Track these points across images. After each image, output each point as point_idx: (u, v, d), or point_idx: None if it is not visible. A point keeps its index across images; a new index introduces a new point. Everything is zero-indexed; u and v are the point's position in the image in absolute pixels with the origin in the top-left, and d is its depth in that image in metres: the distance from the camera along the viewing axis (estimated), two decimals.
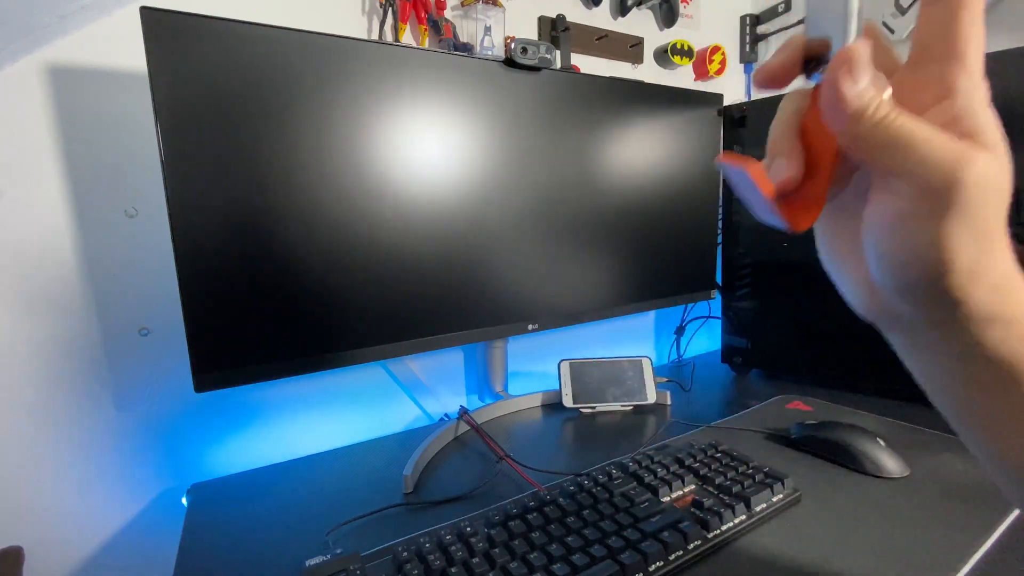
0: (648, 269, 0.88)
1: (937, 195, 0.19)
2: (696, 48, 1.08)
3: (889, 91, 0.21)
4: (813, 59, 0.23)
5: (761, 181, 0.23)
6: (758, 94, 1.22)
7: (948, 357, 0.23)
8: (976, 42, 0.20)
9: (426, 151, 0.65)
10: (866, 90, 0.20)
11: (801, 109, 0.24)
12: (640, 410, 0.81)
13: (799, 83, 0.25)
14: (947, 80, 0.21)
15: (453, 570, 0.43)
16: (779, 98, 0.26)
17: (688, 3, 1.09)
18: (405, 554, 0.45)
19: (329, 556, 0.45)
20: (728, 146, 0.95)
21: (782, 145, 0.24)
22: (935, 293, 0.21)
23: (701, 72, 1.10)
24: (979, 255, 0.20)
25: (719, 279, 1.00)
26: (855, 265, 0.24)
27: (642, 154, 0.85)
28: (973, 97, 0.21)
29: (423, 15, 0.77)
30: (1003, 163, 0.20)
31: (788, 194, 0.23)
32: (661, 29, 1.07)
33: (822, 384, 0.87)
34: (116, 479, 0.66)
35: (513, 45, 0.69)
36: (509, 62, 0.70)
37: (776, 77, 0.24)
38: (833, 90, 0.21)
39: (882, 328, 0.25)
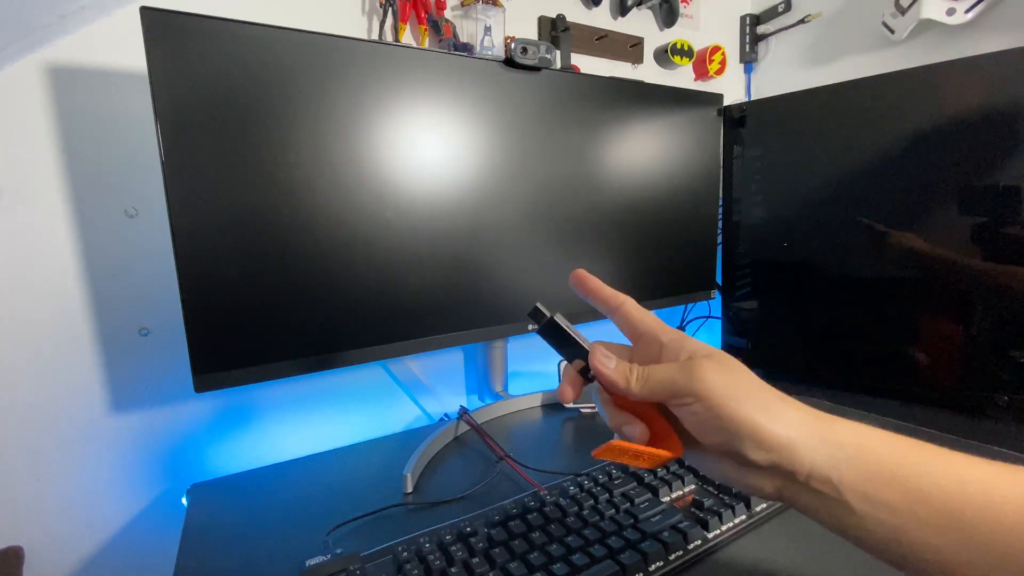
0: (648, 269, 0.88)
1: (696, 395, 0.29)
2: (696, 48, 1.08)
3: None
4: (583, 369, 0.35)
5: (630, 444, 0.32)
6: (758, 94, 1.22)
7: (832, 503, 0.29)
8: (649, 317, 0.35)
9: (426, 151, 0.65)
10: (618, 365, 0.32)
11: (605, 396, 0.35)
12: None
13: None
14: (654, 340, 0.33)
15: (453, 570, 0.43)
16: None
17: (688, 3, 1.09)
18: (405, 554, 0.45)
19: (329, 556, 0.45)
20: (728, 146, 0.95)
21: (617, 420, 0.33)
22: (765, 449, 0.28)
23: (701, 72, 1.10)
24: (763, 410, 0.29)
25: (719, 279, 1.00)
26: (727, 466, 0.31)
27: (642, 154, 0.85)
28: (675, 339, 0.32)
29: (423, 15, 0.77)
30: (723, 358, 0.31)
31: (650, 441, 0.32)
32: (661, 29, 1.07)
33: (822, 384, 0.87)
34: (116, 479, 0.66)
35: (513, 45, 0.69)
36: (509, 62, 0.70)
37: (573, 392, 0.36)
38: (600, 376, 0.33)
39: (791, 504, 0.31)
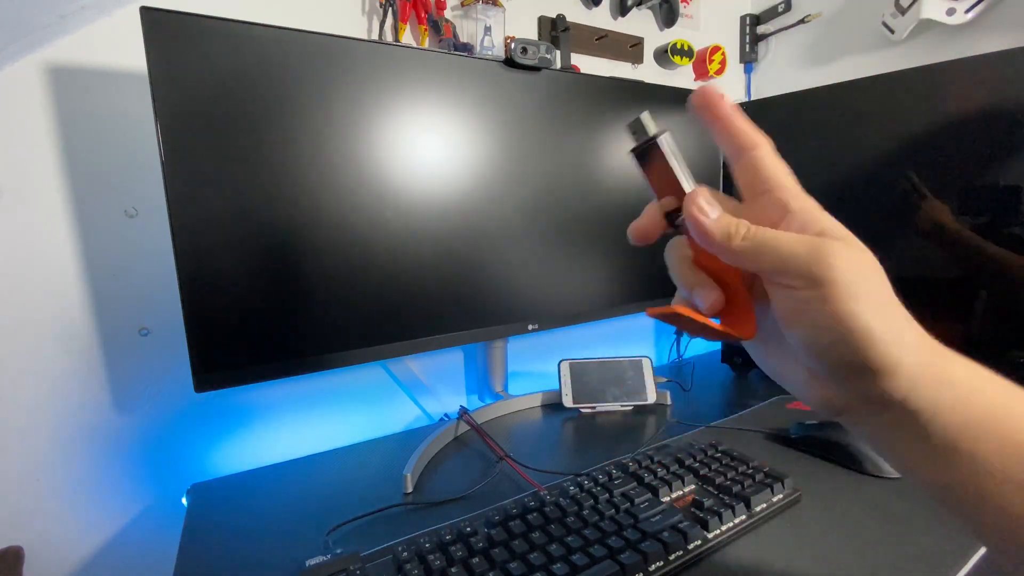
0: (648, 269, 0.88)
1: (814, 280, 0.23)
2: (696, 48, 1.08)
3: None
4: (672, 212, 0.28)
5: (696, 316, 0.26)
6: (758, 94, 1.22)
7: (908, 434, 0.25)
8: (784, 171, 0.27)
9: (426, 151, 0.65)
10: (721, 216, 0.26)
11: (684, 252, 0.29)
12: (640, 410, 0.81)
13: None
14: (779, 203, 0.26)
15: (453, 570, 0.43)
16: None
17: (688, 3, 1.09)
18: (405, 554, 0.45)
19: (329, 556, 0.45)
20: None
21: (691, 281, 0.28)
22: (865, 366, 0.23)
23: (701, 72, 1.10)
24: (884, 323, 0.23)
25: None
26: (796, 368, 0.27)
27: None
28: (807, 208, 0.26)
29: (423, 15, 0.77)
30: (859, 248, 0.25)
31: (722, 314, 0.27)
32: (661, 29, 1.07)
33: None
34: (116, 479, 0.66)
35: (513, 45, 0.69)
36: (509, 62, 0.70)
37: (646, 234, 0.29)
38: (696, 226, 0.26)
39: (847, 422, 0.27)
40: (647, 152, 0.28)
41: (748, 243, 0.25)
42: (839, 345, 0.23)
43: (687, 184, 0.27)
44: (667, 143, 0.27)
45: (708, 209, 0.26)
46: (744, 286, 0.27)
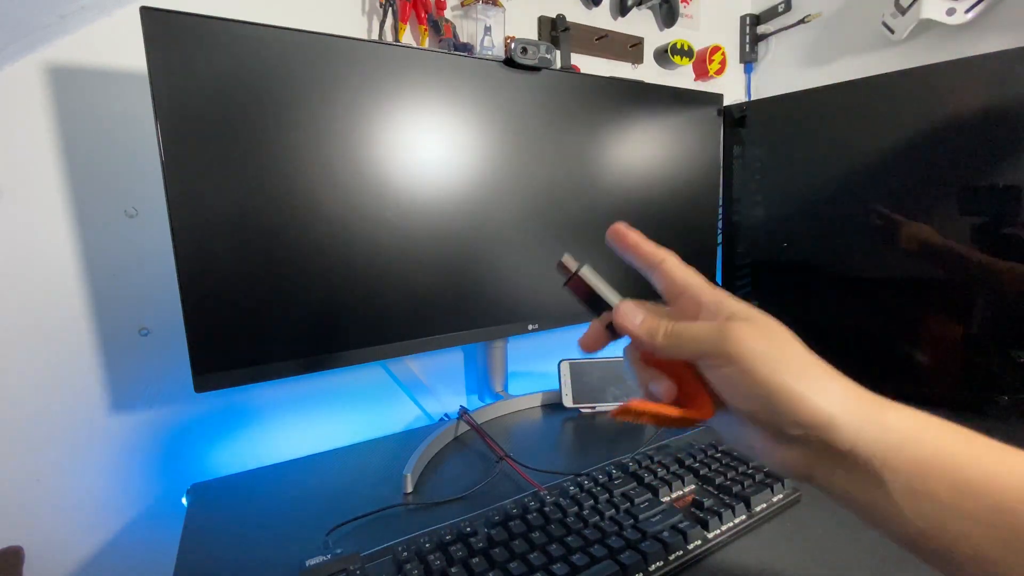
0: None
1: (727, 356, 0.27)
2: (696, 48, 1.08)
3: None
4: (610, 323, 0.33)
5: (652, 406, 0.30)
6: (758, 94, 1.22)
7: (868, 485, 0.27)
8: (691, 274, 0.32)
9: (426, 151, 0.65)
10: (644, 320, 0.31)
11: (635, 355, 0.33)
12: None
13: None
14: (693, 300, 0.31)
15: (453, 570, 0.43)
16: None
17: (688, 3, 1.09)
18: (405, 554, 0.45)
19: (329, 556, 0.45)
20: (728, 146, 0.95)
21: (644, 377, 0.32)
22: (800, 423, 0.26)
23: (701, 72, 1.10)
24: (803, 381, 0.26)
25: (719, 279, 1.00)
26: (757, 437, 0.29)
27: (642, 154, 0.85)
28: (716, 300, 0.30)
29: (423, 15, 0.77)
30: (764, 322, 0.28)
31: (681, 402, 0.31)
32: (661, 29, 1.07)
33: None
34: (116, 479, 0.66)
35: (513, 45, 0.69)
36: (509, 62, 0.70)
37: (595, 344, 0.34)
38: (625, 332, 0.31)
39: (818, 487, 0.29)
40: (577, 283, 0.34)
41: (670, 337, 0.30)
42: (770, 408, 0.26)
43: (612, 300, 0.33)
44: (587, 273, 0.33)
45: (632, 317, 0.31)
46: (696, 374, 0.30)
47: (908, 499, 0.26)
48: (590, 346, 0.34)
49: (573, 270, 0.33)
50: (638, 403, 0.30)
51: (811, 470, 0.28)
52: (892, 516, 0.26)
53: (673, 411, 0.30)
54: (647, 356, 0.32)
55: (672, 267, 0.32)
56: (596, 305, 0.33)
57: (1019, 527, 0.24)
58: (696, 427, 0.32)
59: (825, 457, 0.27)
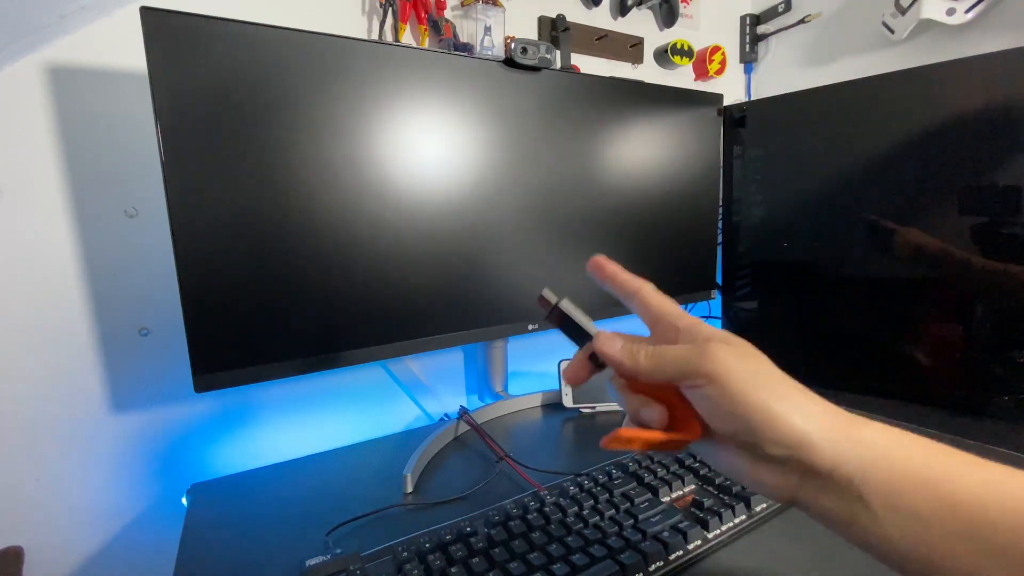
0: (648, 269, 0.88)
1: (706, 375, 0.28)
2: (696, 48, 1.08)
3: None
4: (592, 354, 0.34)
5: (643, 432, 0.31)
6: (758, 94, 1.22)
7: (852, 505, 0.27)
8: (667, 302, 0.34)
9: (426, 151, 0.65)
10: (624, 345, 0.32)
11: (621, 383, 0.33)
12: None
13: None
14: (670, 326, 0.32)
15: (453, 570, 0.43)
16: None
17: (688, 3, 1.09)
18: (405, 554, 0.45)
19: (329, 556, 0.45)
20: (728, 146, 0.95)
21: (635, 405, 0.32)
22: (779, 441, 0.27)
23: (701, 72, 1.10)
24: (779, 400, 0.27)
25: (719, 279, 1.00)
26: (741, 460, 0.30)
27: (642, 154, 0.85)
28: (691, 324, 0.32)
29: (423, 15, 0.77)
30: (739, 343, 0.30)
31: (671, 426, 0.32)
32: (661, 29, 1.07)
33: (822, 384, 0.86)
34: (116, 479, 0.66)
35: (513, 45, 0.69)
36: (509, 62, 0.70)
37: (579, 376, 0.35)
38: (607, 359, 0.32)
39: (803, 510, 0.29)
40: (557, 316, 0.35)
41: (651, 359, 0.30)
42: (749, 428, 0.27)
43: (592, 330, 0.34)
44: (567, 306, 0.35)
45: (611, 343, 0.32)
46: (680, 397, 0.31)
47: (890, 516, 0.26)
48: (574, 378, 0.35)
49: (553, 303, 0.35)
50: (626, 431, 0.30)
51: (794, 492, 0.28)
52: (876, 535, 0.27)
53: (660, 435, 0.31)
54: (632, 383, 0.33)
55: (648, 295, 0.34)
56: (578, 336, 0.35)
57: (1002, 542, 0.24)
58: (684, 448, 0.32)
59: (807, 478, 0.27)
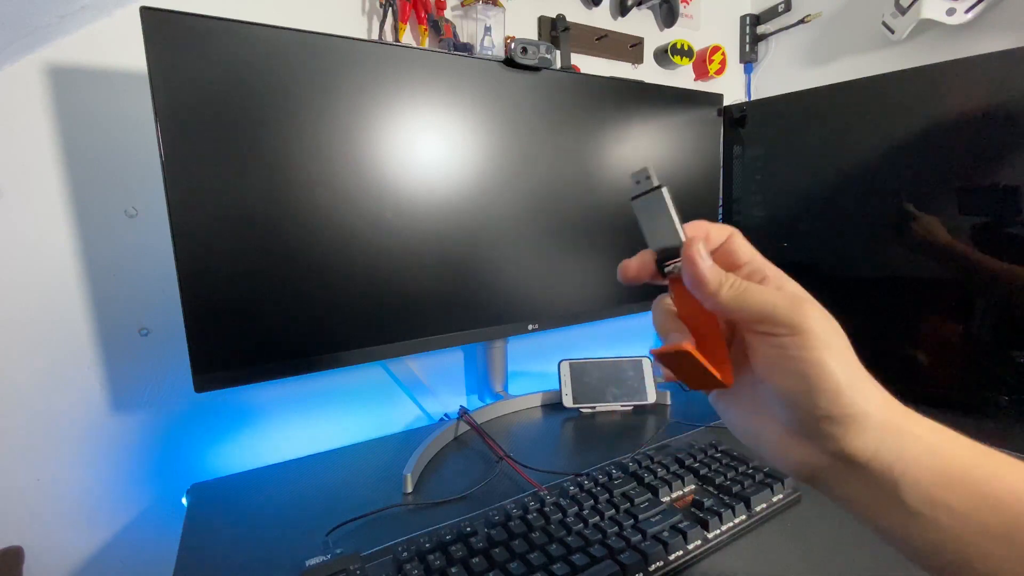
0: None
1: (794, 327, 0.26)
2: (696, 48, 1.08)
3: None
4: (661, 260, 0.30)
5: (705, 360, 0.28)
6: (758, 94, 1.22)
7: (883, 493, 0.26)
8: (755, 251, 0.31)
9: (426, 151, 0.65)
10: (714, 265, 0.28)
11: (668, 308, 0.32)
12: (640, 410, 0.81)
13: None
14: (758, 272, 0.30)
15: (453, 570, 0.43)
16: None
17: (688, 3, 1.09)
18: (405, 554, 0.45)
19: (329, 556, 0.45)
20: (728, 146, 0.95)
21: (667, 327, 0.31)
22: (834, 415, 0.26)
23: (701, 72, 1.10)
24: (851, 375, 0.26)
25: None
26: (771, 428, 0.29)
27: (642, 154, 0.85)
28: (781, 275, 0.30)
29: (423, 15, 0.77)
30: (825, 312, 0.27)
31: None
32: (661, 29, 1.07)
33: None
34: (116, 479, 0.66)
35: (513, 45, 0.69)
36: (509, 62, 0.70)
37: (637, 274, 0.32)
38: (692, 269, 0.28)
39: (825, 489, 0.28)
40: (648, 201, 0.30)
41: (735, 292, 0.28)
42: (811, 389, 0.26)
43: (683, 233, 0.30)
44: (668, 195, 0.30)
45: (705, 255, 0.29)
46: (722, 343, 0.30)
47: (926, 510, 0.25)
48: (634, 274, 0.32)
49: (655, 183, 0.30)
50: (692, 347, 0.28)
51: (821, 472, 0.27)
52: (905, 526, 0.26)
53: (712, 368, 0.28)
54: (685, 313, 0.30)
55: (741, 241, 0.31)
56: (659, 233, 0.30)
57: None
58: (709, 390, 0.31)
59: (841, 459, 0.26)
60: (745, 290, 0.28)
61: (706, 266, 0.28)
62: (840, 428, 0.26)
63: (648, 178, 0.30)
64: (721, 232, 0.31)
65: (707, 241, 0.30)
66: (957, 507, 0.25)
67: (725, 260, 0.31)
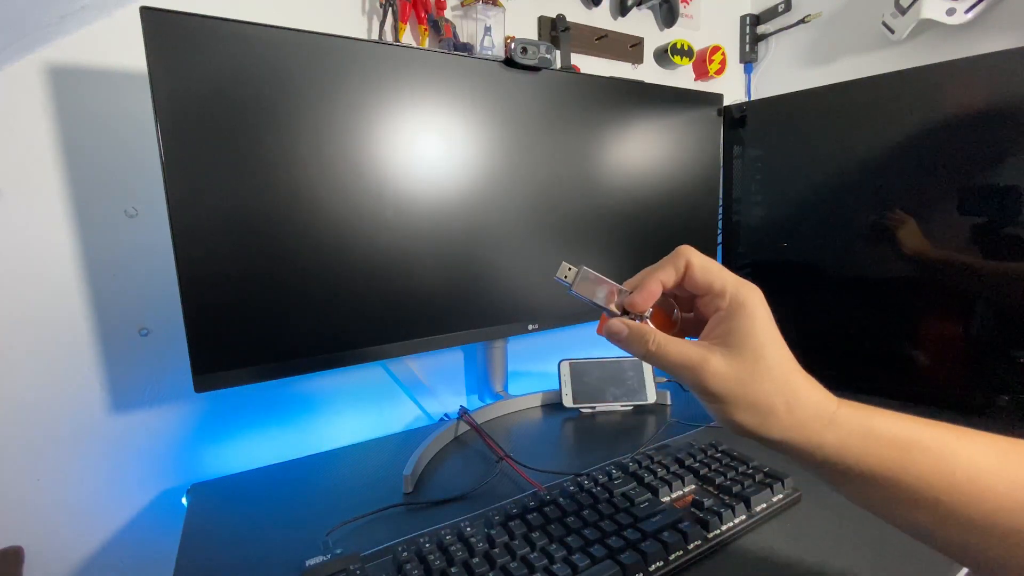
0: None
1: (695, 386, 0.32)
2: (696, 48, 1.08)
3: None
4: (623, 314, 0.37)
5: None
6: (758, 94, 1.22)
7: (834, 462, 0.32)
8: (710, 278, 0.35)
9: (426, 151, 0.65)
10: (632, 334, 0.35)
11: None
12: (640, 410, 0.81)
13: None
14: (716, 303, 0.34)
15: (453, 570, 0.43)
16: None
17: (688, 3, 1.09)
18: (405, 554, 0.45)
19: (329, 556, 0.45)
20: (728, 146, 0.95)
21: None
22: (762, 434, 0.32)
23: (701, 72, 1.10)
24: (778, 422, 0.32)
25: None
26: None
27: (642, 154, 0.85)
28: (731, 298, 0.34)
29: (423, 15, 0.77)
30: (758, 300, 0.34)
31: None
32: (661, 29, 1.07)
33: (822, 384, 0.87)
34: (116, 479, 0.66)
35: (513, 45, 0.69)
36: (509, 62, 0.70)
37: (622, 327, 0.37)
38: (617, 342, 0.36)
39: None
40: (576, 289, 0.38)
41: (656, 354, 0.33)
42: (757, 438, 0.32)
43: (613, 304, 0.37)
44: (584, 279, 0.38)
45: (619, 330, 0.35)
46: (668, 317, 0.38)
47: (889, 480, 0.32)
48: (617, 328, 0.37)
49: (568, 284, 0.38)
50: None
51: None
52: (906, 506, 0.32)
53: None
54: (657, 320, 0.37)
55: (696, 273, 0.36)
56: (602, 303, 0.37)
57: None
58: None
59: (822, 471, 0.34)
60: (663, 352, 0.33)
61: (622, 340, 0.35)
62: (758, 417, 0.32)
63: (566, 275, 0.38)
64: (667, 273, 0.35)
65: (648, 295, 0.35)
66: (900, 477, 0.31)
67: (693, 289, 0.35)
